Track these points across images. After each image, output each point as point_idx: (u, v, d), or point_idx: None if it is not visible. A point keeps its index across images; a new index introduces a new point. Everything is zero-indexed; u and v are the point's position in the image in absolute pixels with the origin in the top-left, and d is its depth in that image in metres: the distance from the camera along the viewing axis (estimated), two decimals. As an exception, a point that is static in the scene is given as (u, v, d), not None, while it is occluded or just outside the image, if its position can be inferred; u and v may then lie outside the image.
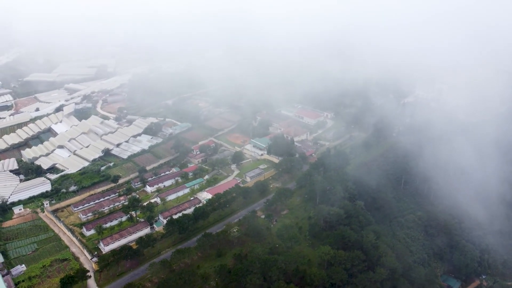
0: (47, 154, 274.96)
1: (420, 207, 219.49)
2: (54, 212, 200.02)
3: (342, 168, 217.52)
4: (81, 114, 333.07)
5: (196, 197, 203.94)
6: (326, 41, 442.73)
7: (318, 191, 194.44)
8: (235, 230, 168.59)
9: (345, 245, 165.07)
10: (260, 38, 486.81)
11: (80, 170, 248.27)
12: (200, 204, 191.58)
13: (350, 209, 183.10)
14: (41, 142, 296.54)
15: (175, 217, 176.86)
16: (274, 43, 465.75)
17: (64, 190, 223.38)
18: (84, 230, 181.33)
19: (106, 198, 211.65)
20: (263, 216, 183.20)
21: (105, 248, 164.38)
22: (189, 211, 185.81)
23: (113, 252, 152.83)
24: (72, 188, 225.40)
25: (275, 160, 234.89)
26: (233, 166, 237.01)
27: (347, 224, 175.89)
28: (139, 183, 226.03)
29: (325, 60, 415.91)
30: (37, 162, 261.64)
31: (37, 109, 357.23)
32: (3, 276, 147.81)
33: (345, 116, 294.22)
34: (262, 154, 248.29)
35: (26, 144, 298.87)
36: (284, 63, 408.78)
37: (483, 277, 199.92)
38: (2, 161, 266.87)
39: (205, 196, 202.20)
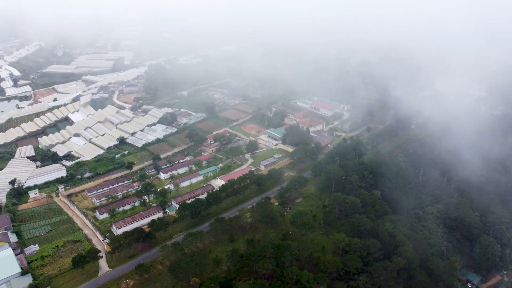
0: (63, 142, 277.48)
1: (438, 200, 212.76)
2: (68, 196, 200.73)
3: (358, 158, 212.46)
4: (98, 104, 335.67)
5: (210, 184, 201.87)
6: (344, 34, 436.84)
7: (333, 179, 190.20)
8: (248, 216, 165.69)
9: (361, 233, 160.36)
10: (277, 32, 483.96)
11: (95, 157, 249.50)
12: (214, 190, 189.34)
13: (366, 198, 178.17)
14: (58, 131, 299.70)
15: (188, 202, 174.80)
16: (291, 37, 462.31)
17: (79, 176, 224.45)
18: (97, 213, 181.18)
19: (120, 184, 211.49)
20: (277, 204, 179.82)
21: (117, 231, 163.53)
22: (202, 197, 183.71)
23: (125, 233, 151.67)
24: (87, 174, 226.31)
25: (290, 149, 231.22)
26: (247, 155, 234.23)
27: (363, 213, 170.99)
28: (153, 170, 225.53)
29: (342, 53, 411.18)
30: (53, 149, 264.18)
31: (55, 99, 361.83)
32: (16, 254, 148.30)
33: (362, 108, 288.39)
34: (276, 144, 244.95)
35: (43, 132, 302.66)
36: (300, 56, 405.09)
37: (504, 272, 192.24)
38: (19, 148, 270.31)
39: (218, 183, 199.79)
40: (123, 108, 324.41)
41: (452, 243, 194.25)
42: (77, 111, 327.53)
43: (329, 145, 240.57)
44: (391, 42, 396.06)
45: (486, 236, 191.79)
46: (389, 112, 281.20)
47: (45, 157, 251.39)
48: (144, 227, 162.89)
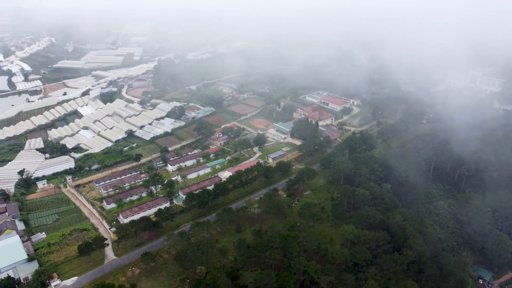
0: (72, 135, 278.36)
1: (450, 194, 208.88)
2: (76, 187, 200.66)
3: (368, 151, 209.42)
4: (107, 98, 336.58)
5: (217, 176, 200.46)
6: (355, 29, 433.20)
7: (342, 172, 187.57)
8: (255, 207, 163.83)
9: (370, 225, 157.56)
10: (287, 27, 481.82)
11: (103, 150, 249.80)
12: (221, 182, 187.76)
13: (375, 191, 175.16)
14: (67, 124, 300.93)
15: (195, 192, 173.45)
16: (300, 33, 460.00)
17: (87, 168, 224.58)
18: (104, 203, 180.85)
19: (127, 175, 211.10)
20: (284, 196, 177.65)
21: (124, 220, 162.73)
22: (210, 188, 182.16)
23: (132, 222, 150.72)
24: (95, 166, 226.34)
25: (299, 143, 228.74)
26: (255, 149, 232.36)
27: (372, 205, 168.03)
28: (160, 162, 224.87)
29: (354, 48, 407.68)
30: (62, 142, 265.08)
31: (65, 94, 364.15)
32: (23, 242, 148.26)
33: (372, 102, 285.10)
34: (285, 138, 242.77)
35: (52, 125, 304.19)
36: (310, 51, 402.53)
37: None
38: (29, 140, 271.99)
39: (226, 175, 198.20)
40: (131, 102, 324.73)
41: (463, 238, 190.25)
42: (86, 105, 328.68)
43: (338, 139, 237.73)
44: (403, 36, 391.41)
45: (498, 232, 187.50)
46: (399, 107, 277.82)
47: (54, 149, 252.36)
48: (151, 217, 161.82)
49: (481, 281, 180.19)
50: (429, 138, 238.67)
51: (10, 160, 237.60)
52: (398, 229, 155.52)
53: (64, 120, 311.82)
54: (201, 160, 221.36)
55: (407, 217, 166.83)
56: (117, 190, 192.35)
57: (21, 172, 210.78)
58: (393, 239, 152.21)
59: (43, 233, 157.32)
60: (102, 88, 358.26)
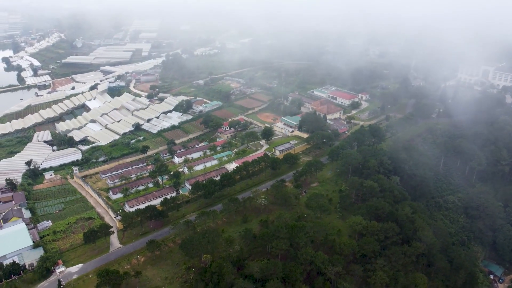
0: (79, 128, 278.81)
1: (460, 189, 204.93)
2: (83, 178, 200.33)
3: (377, 144, 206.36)
4: (114, 92, 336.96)
5: (224, 167, 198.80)
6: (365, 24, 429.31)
7: (351, 165, 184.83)
8: (262, 197, 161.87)
9: (378, 217, 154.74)
10: (296, 22, 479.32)
11: (110, 142, 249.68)
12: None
13: (384, 183, 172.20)
14: (75, 117, 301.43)
15: (201, 182, 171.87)
16: (309, 28, 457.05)
17: (93, 160, 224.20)
18: (110, 193, 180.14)
19: (134, 167, 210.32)
20: (292, 187, 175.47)
21: (130, 210, 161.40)
22: (216, 179, 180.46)
23: (138, 211, 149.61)
24: (102, 158, 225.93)
25: (306, 136, 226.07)
26: (263, 142, 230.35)
27: (380, 197, 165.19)
28: (167, 154, 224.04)
29: (363, 43, 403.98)
30: (69, 134, 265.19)
31: (73, 88, 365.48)
32: (29, 229, 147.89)
33: (381, 97, 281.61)
34: (292, 131, 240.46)
35: (60, 118, 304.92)
36: (320, 47, 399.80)
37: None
38: (37, 132, 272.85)
39: (233, 167, 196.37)
40: (139, 96, 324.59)
41: (474, 233, 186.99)
42: (94, 99, 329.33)
43: (346, 132, 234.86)
44: (414, 32, 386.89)
45: (510, 227, 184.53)
46: (409, 101, 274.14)
47: (62, 142, 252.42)
48: (157, 207, 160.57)
49: (492, 277, 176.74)
50: (439, 132, 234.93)
51: (18, 152, 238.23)
52: (407, 221, 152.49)
53: (72, 113, 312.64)
54: (208, 153, 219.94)
55: (416, 210, 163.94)
56: (124, 181, 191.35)
57: (28, 163, 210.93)
58: (402, 231, 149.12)
59: (49, 221, 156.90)
60: (110, 82, 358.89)
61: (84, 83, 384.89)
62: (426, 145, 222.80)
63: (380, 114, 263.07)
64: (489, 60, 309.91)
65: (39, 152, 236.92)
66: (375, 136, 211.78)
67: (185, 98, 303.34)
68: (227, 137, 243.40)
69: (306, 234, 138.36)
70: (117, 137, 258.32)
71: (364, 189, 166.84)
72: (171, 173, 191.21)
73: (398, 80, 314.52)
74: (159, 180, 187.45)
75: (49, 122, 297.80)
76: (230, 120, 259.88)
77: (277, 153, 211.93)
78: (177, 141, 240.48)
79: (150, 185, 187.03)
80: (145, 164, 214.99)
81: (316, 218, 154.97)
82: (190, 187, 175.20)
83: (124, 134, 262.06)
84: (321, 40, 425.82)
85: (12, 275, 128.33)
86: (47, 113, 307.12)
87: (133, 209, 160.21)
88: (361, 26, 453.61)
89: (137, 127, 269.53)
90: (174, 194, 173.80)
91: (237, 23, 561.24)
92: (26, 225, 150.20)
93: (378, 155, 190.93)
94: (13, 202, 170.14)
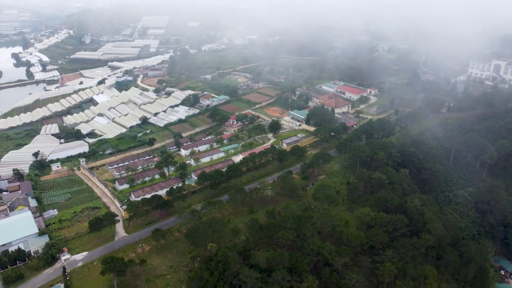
0: (87, 121, 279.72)
1: (470, 183, 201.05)
2: (90, 169, 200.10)
3: (386, 137, 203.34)
4: (122, 87, 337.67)
5: (230, 159, 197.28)
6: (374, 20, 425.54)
7: (359, 157, 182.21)
8: (269, 189, 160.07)
9: (387, 208, 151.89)
10: (305, 17, 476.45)
11: (117, 135, 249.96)
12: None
13: (393, 176, 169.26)
14: (82, 111, 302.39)
15: (208, 173, 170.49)
16: (318, 24, 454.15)
17: (100, 152, 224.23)
18: (116, 184, 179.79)
19: (140, 159, 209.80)
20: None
21: (136, 200, 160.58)
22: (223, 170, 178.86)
23: (143, 200, 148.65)
24: (109, 151, 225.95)
25: (314, 129, 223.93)
26: (270, 135, 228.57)
27: (389, 189, 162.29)
28: (174, 147, 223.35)
29: (372, 38, 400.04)
30: (77, 128, 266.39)
31: (81, 83, 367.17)
32: (35, 217, 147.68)
33: (390, 92, 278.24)
34: (300, 125, 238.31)
35: (68, 112, 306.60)
36: (329, 42, 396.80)
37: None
38: (45, 126, 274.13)
39: (239, 159, 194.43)
40: (146, 90, 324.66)
41: (485, 228, 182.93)
42: (102, 93, 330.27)
43: (354, 126, 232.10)
44: (424, 27, 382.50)
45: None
46: (418, 96, 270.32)
47: (69, 135, 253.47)
48: (163, 197, 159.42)
49: (503, 272, 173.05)
50: (449, 126, 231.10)
51: (26, 144, 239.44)
52: (416, 213, 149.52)
53: (80, 107, 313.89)
54: (215, 145, 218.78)
55: (426, 203, 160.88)
56: (130, 172, 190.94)
57: (35, 154, 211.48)
58: (411, 223, 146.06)
59: (55, 210, 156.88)
60: (117, 77, 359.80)
61: (92, 78, 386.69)
62: (436, 138, 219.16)
63: (389, 109, 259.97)
64: (501, 55, 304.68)
65: (46, 145, 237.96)
66: (384, 129, 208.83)
67: (192, 92, 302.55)
68: (234, 130, 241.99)
69: (313, 224, 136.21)
70: (124, 130, 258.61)
71: (373, 181, 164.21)
72: (178, 164, 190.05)
73: (407, 75, 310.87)
74: (165, 171, 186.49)
75: (57, 116, 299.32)
76: (237, 114, 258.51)
77: (284, 145, 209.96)
78: (184, 135, 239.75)
79: (156, 176, 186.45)
80: (151, 156, 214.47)
81: (323, 209, 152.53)
82: (196, 178, 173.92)
83: (131, 127, 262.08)
84: (329, 36, 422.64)
85: (17, 262, 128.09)
86: (55, 107, 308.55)
87: (139, 199, 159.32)
88: (370, 22, 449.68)
89: (144, 120, 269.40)
90: (180, 185, 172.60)
91: (245, 20, 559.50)
92: (32, 213, 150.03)
93: (387, 148, 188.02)
94: (20, 191, 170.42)
